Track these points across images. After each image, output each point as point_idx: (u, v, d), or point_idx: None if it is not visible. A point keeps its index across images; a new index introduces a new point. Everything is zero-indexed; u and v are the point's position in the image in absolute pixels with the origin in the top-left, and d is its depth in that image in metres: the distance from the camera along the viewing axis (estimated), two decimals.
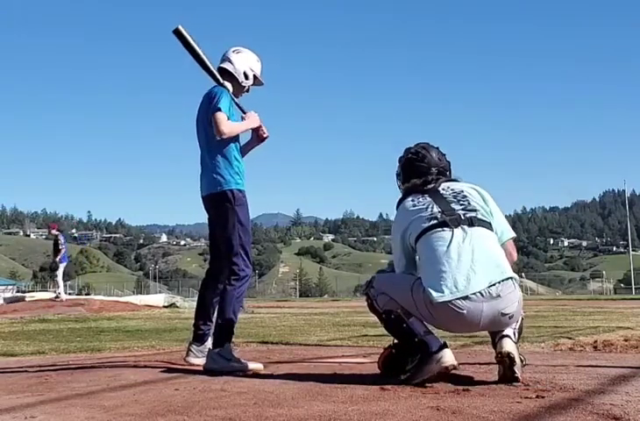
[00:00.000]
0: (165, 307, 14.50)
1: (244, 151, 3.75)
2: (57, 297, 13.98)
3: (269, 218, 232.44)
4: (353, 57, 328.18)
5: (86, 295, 24.12)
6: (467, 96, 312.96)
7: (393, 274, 3.01)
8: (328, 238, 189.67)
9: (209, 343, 3.59)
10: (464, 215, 2.81)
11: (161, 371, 3.47)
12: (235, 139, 3.60)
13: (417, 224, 2.84)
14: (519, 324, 2.87)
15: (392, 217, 3.15)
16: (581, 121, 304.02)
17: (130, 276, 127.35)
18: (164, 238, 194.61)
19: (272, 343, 5.65)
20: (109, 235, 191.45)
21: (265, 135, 3.73)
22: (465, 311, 2.65)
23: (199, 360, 3.57)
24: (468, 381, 2.82)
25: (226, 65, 3.65)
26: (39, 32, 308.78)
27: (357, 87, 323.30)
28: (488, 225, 2.84)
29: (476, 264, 2.69)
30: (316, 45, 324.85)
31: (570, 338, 5.52)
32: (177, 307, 14.48)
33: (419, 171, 3.02)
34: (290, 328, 8.00)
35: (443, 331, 2.94)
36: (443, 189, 2.94)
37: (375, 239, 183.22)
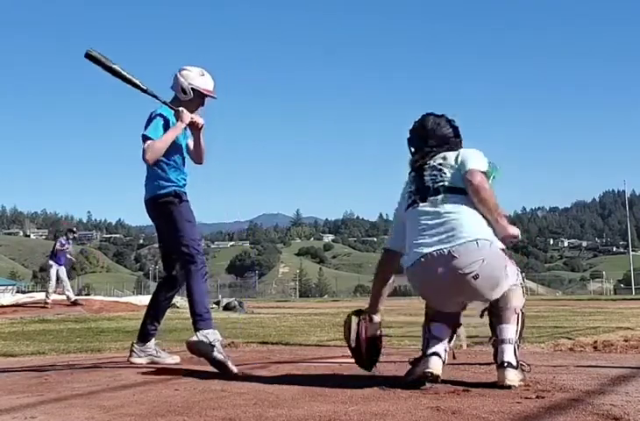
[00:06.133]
0: None
1: (196, 146, 3.76)
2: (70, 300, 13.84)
3: (269, 218, 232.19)
4: (353, 57, 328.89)
5: (86, 295, 24.05)
6: (467, 96, 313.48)
7: None
8: (328, 238, 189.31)
9: (151, 343, 3.81)
10: (432, 187, 2.86)
11: (161, 371, 3.47)
12: (173, 145, 3.62)
13: (403, 203, 2.99)
14: (519, 326, 2.79)
15: (392, 218, 3.23)
16: (581, 121, 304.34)
17: (130, 276, 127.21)
18: None
19: (272, 343, 5.65)
20: (109, 235, 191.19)
21: (200, 125, 3.69)
22: (420, 275, 2.74)
23: (141, 360, 3.76)
24: (468, 382, 2.83)
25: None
26: (39, 32, 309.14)
27: (357, 87, 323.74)
28: (458, 190, 2.83)
29: (433, 230, 2.75)
30: (316, 45, 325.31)
31: (570, 339, 5.52)
32: (177, 307, 14.42)
33: (416, 146, 3.06)
34: (290, 328, 8.00)
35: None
36: (428, 164, 2.94)
37: (375, 239, 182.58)
